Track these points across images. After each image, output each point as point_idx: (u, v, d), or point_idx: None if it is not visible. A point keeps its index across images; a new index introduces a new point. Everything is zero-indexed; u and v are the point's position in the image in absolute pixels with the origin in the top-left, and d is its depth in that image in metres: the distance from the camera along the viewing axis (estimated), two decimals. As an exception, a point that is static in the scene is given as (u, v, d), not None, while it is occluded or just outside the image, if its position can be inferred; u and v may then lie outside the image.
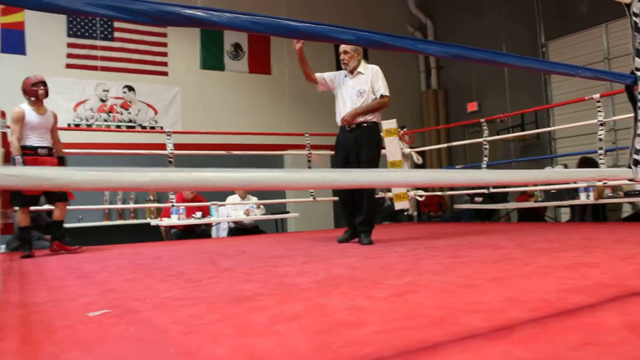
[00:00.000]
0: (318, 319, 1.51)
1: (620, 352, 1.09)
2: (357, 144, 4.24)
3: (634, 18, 1.89)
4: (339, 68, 4.51)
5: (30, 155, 4.33)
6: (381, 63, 4.69)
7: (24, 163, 4.22)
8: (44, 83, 4.47)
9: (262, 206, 7.15)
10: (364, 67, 4.34)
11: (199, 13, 1.08)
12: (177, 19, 1.08)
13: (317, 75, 4.51)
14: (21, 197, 4.33)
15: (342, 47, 4.36)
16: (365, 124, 4.25)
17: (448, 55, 1.42)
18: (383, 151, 5.99)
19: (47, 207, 4.95)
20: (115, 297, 2.10)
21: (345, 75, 4.40)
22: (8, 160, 4.36)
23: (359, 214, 4.22)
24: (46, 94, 4.49)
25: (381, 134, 5.06)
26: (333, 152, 4.53)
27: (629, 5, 1.90)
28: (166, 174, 0.98)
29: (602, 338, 1.18)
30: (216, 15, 1.08)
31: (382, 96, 4.25)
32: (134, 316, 1.69)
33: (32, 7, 0.98)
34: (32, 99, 4.42)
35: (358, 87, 4.28)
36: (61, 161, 4.57)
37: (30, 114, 4.38)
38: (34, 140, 4.38)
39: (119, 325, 1.55)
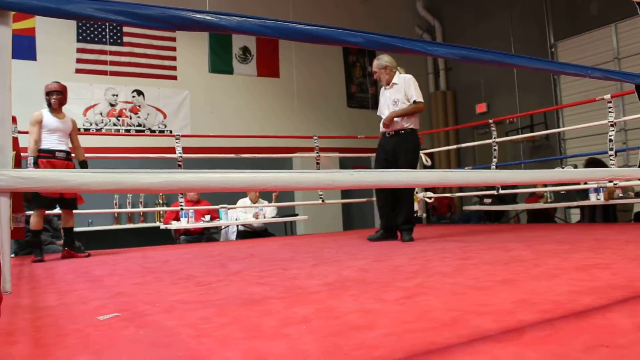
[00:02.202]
0: (328, 322, 1.51)
1: (632, 353, 1.08)
2: (395, 150, 4.62)
3: (645, 17, 1.88)
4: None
5: (48, 158, 4.41)
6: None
7: (36, 164, 4.30)
8: (58, 92, 4.54)
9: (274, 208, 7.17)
10: (397, 77, 4.72)
11: (208, 17, 1.09)
12: (186, 24, 1.08)
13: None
14: (38, 199, 4.39)
15: (372, 68, 4.85)
16: (402, 131, 4.62)
17: (457, 57, 1.41)
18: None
19: (57, 211, 4.98)
20: (125, 301, 2.11)
21: (385, 88, 4.82)
22: (19, 164, 4.40)
23: (400, 214, 4.62)
24: (60, 103, 4.56)
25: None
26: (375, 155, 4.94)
27: None
28: (174, 175, 0.98)
29: (613, 340, 1.17)
30: (225, 19, 1.09)
31: (415, 102, 4.59)
32: (144, 319, 1.69)
33: (44, 13, 0.99)
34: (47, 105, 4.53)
35: (393, 96, 4.68)
36: (83, 165, 4.67)
37: (49, 118, 4.49)
38: (52, 143, 4.47)
39: (129, 329, 1.55)
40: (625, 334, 1.22)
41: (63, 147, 4.53)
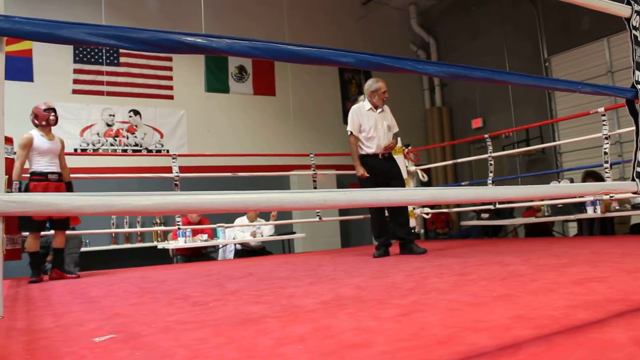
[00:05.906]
0: (324, 341, 1.51)
1: (628, 368, 1.08)
2: (392, 170, 4.89)
3: (634, 31, 1.90)
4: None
5: (41, 180, 4.39)
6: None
7: (26, 189, 4.27)
8: (54, 110, 4.57)
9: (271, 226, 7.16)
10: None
11: (199, 40, 1.10)
12: (178, 47, 1.10)
13: (356, 135, 4.90)
14: (30, 223, 4.36)
15: (385, 88, 4.92)
16: (391, 153, 4.97)
17: (447, 75, 1.43)
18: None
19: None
20: (121, 322, 2.09)
21: (369, 109, 4.90)
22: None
23: (403, 228, 4.82)
24: (56, 121, 4.57)
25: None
26: (359, 176, 4.87)
27: (628, 19, 1.91)
28: (166, 197, 0.99)
29: (609, 355, 1.17)
30: (216, 41, 1.10)
31: (396, 133, 5.02)
32: (140, 341, 1.68)
33: (37, 38, 1.00)
34: (43, 123, 4.49)
35: (385, 121, 4.91)
36: (68, 187, 4.62)
37: (40, 140, 4.45)
38: (43, 165, 4.44)
39: (124, 350, 1.55)
40: (621, 348, 1.22)
41: (54, 169, 4.51)
